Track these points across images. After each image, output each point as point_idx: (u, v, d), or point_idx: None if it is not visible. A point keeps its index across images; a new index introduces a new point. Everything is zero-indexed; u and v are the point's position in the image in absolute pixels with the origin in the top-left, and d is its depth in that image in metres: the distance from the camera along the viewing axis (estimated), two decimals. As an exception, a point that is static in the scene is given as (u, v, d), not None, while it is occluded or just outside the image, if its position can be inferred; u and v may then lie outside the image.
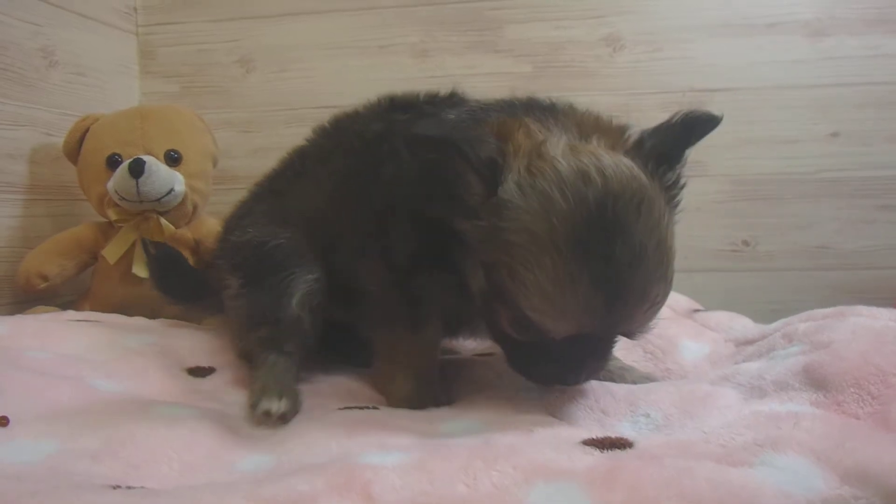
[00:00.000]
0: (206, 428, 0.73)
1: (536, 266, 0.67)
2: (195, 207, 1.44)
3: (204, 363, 1.01)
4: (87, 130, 1.41)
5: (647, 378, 0.96)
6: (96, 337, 1.04)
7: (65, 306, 1.44)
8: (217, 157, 1.53)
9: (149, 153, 1.36)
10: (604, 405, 0.81)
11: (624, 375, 0.95)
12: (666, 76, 1.54)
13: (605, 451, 0.61)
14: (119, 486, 0.56)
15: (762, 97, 1.50)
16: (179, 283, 1.15)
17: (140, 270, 1.37)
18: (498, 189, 0.69)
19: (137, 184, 1.31)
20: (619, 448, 0.63)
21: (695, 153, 1.46)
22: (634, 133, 0.77)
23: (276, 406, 0.78)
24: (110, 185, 1.34)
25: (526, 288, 0.67)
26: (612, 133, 0.75)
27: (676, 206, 0.76)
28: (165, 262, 1.17)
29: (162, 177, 1.34)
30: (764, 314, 1.19)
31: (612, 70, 1.56)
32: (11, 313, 1.38)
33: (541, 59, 1.60)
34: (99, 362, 0.94)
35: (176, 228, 1.40)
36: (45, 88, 1.46)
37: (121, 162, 1.35)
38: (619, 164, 0.69)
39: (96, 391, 0.84)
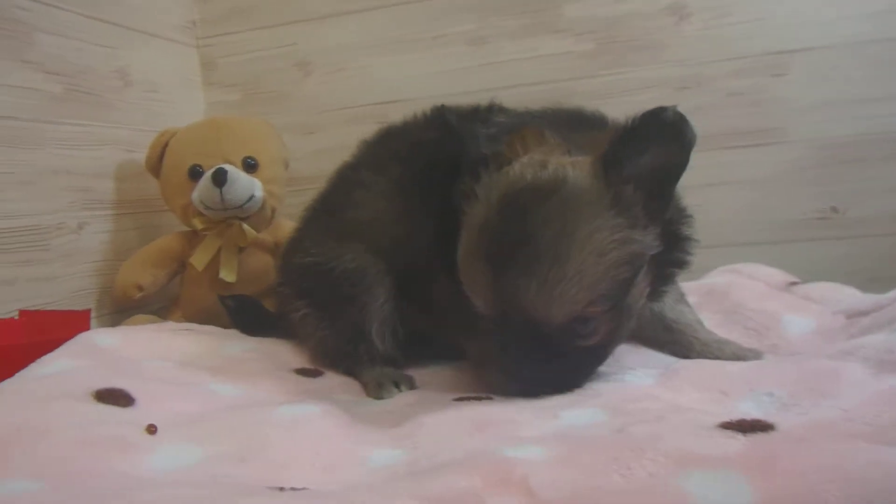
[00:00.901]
0: (332, 426, 0.75)
1: (463, 245, 0.79)
2: (273, 211, 1.47)
3: (308, 365, 1.04)
4: (166, 145, 1.44)
5: (750, 352, 0.94)
6: (201, 345, 1.08)
7: (156, 313, 1.49)
8: (288, 161, 1.56)
9: (227, 162, 1.39)
10: (720, 384, 0.80)
11: (723, 349, 0.94)
12: (738, 42, 1.48)
13: (748, 434, 0.60)
14: (284, 489, 0.57)
15: (843, 55, 1.43)
16: (258, 323, 1.20)
17: (227, 276, 1.40)
18: (478, 179, 0.79)
19: (221, 192, 1.34)
20: (761, 431, 0.61)
21: (773, 119, 1.45)
22: None
23: (395, 393, 0.89)
24: (195, 195, 1.37)
25: (459, 264, 0.79)
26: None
27: (640, 215, 0.76)
28: (242, 308, 1.25)
29: (243, 184, 1.36)
30: (858, 284, 1.15)
31: (679, 40, 1.52)
32: (112, 323, 1.44)
33: (603, 36, 1.56)
34: (211, 368, 0.97)
35: (257, 233, 1.43)
36: (122, 108, 1.51)
37: (202, 172, 1.38)
38: (558, 170, 0.75)
39: (219, 395, 0.87)
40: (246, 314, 1.25)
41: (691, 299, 1.12)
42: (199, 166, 1.39)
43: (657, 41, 1.53)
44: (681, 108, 1.50)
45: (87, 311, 1.40)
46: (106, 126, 1.45)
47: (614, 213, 0.74)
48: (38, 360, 0.89)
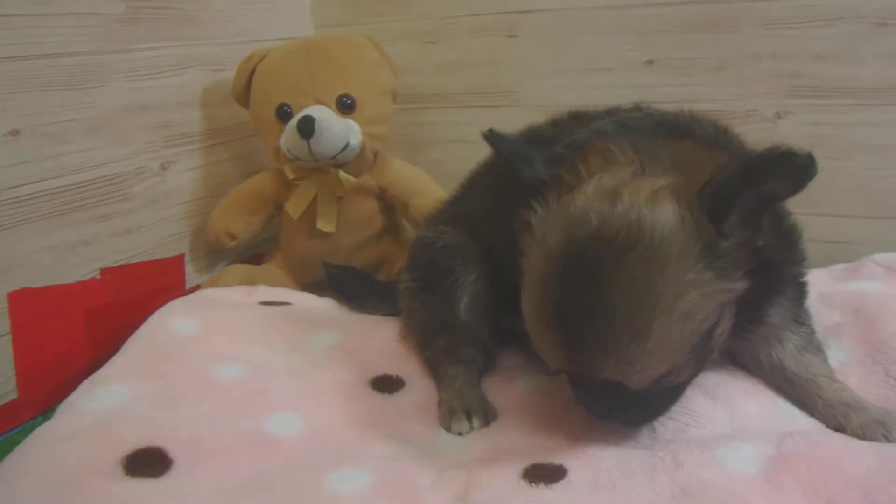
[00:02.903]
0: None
1: (526, 296, 0.71)
2: (375, 154, 1.28)
3: (392, 371, 0.96)
4: (253, 72, 1.26)
5: (883, 426, 0.74)
6: (285, 335, 1.02)
7: (255, 257, 1.41)
8: (396, 90, 1.34)
9: (319, 101, 1.20)
10: (832, 489, 0.63)
11: (849, 417, 0.76)
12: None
13: None
14: None
15: None
16: (359, 291, 1.18)
17: (324, 226, 1.28)
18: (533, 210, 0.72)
19: (309, 144, 1.16)
20: None
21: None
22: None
23: (466, 427, 0.85)
24: (282, 141, 1.21)
25: (523, 311, 0.72)
26: (698, 170, 0.67)
27: (731, 263, 0.66)
28: (343, 278, 1.21)
29: (335, 133, 1.17)
30: None
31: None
32: (208, 265, 1.38)
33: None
34: (284, 376, 0.92)
35: (357, 178, 1.26)
36: (207, 19, 1.31)
37: (291, 114, 1.20)
38: (632, 212, 0.65)
39: (272, 442, 0.79)
40: (346, 285, 1.18)
41: (834, 316, 0.93)
42: (288, 106, 1.20)
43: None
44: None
45: (181, 257, 1.33)
46: (187, 45, 1.27)
47: (703, 265, 0.65)
48: (90, 380, 0.83)
